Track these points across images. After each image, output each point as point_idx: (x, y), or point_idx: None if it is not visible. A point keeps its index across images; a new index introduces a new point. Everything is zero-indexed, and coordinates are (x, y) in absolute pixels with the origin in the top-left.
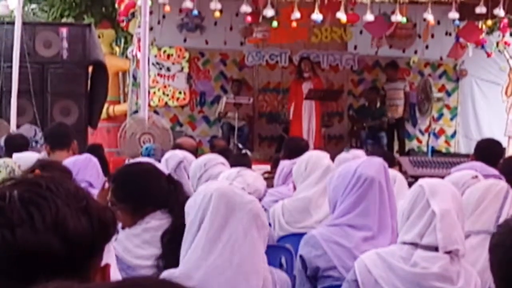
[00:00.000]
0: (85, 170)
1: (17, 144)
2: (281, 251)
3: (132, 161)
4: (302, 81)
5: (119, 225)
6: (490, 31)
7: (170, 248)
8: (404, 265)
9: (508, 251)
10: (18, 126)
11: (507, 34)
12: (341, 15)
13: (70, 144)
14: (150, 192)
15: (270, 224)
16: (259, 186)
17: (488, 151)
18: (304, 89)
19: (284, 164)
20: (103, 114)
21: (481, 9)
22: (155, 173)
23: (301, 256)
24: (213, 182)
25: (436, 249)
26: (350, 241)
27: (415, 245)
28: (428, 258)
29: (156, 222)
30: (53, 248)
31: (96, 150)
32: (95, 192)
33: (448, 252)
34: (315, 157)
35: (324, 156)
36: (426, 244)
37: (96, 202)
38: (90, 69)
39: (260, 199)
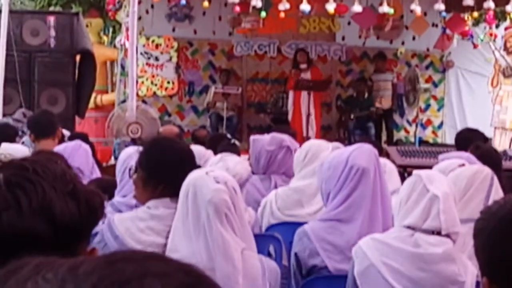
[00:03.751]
0: (74, 157)
1: (6, 134)
2: (269, 239)
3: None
4: (299, 72)
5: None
6: (476, 22)
7: None
8: (406, 246)
9: (491, 235)
10: (4, 115)
11: (493, 25)
12: (330, 6)
13: (55, 132)
14: (167, 171)
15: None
16: (240, 170)
17: (468, 140)
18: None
19: (260, 145)
20: (91, 104)
21: (467, 2)
22: (182, 157)
23: (296, 254)
24: (193, 172)
25: (438, 233)
26: (343, 239)
27: (413, 229)
28: (432, 241)
29: (165, 211)
30: (40, 232)
31: (81, 139)
32: (83, 179)
33: (448, 236)
34: (316, 147)
35: (325, 148)
36: (428, 228)
37: (84, 186)
38: (78, 58)
39: (243, 184)
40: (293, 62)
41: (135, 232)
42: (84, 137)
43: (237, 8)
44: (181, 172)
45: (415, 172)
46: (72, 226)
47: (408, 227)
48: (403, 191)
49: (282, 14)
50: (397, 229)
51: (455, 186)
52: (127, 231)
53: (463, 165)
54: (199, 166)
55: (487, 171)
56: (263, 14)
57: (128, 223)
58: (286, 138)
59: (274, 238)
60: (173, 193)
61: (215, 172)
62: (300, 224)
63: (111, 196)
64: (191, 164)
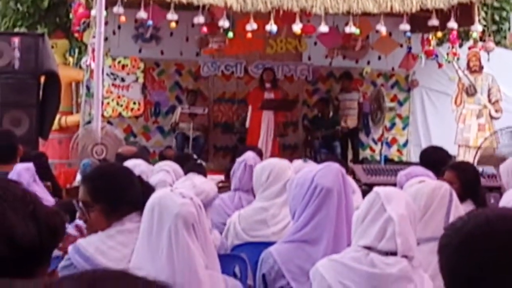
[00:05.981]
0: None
1: None
2: (235, 260)
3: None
4: (263, 90)
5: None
6: (440, 42)
7: None
8: (362, 266)
9: (456, 250)
10: None
11: (457, 45)
12: (296, 27)
13: (17, 156)
14: (126, 193)
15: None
16: (207, 188)
17: (432, 158)
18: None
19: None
20: (55, 125)
21: (433, 22)
22: (130, 174)
23: (263, 276)
24: (159, 190)
25: (392, 254)
26: (309, 261)
27: (369, 249)
28: (387, 261)
29: (132, 225)
30: (0, 255)
31: (39, 158)
32: None
33: (404, 257)
34: (279, 168)
35: (287, 167)
36: (383, 249)
37: (44, 207)
38: (43, 79)
39: (209, 202)
40: (259, 81)
41: (105, 250)
42: (42, 156)
43: (204, 29)
44: (135, 188)
45: (375, 189)
46: (33, 248)
47: (364, 246)
48: (361, 208)
49: (249, 35)
50: (353, 249)
51: (414, 203)
52: (97, 250)
53: (423, 181)
54: (139, 176)
55: (445, 187)
56: (230, 34)
57: (97, 243)
58: (250, 156)
59: (239, 258)
60: (135, 208)
61: (180, 189)
62: (265, 243)
63: (73, 218)
64: (135, 177)
